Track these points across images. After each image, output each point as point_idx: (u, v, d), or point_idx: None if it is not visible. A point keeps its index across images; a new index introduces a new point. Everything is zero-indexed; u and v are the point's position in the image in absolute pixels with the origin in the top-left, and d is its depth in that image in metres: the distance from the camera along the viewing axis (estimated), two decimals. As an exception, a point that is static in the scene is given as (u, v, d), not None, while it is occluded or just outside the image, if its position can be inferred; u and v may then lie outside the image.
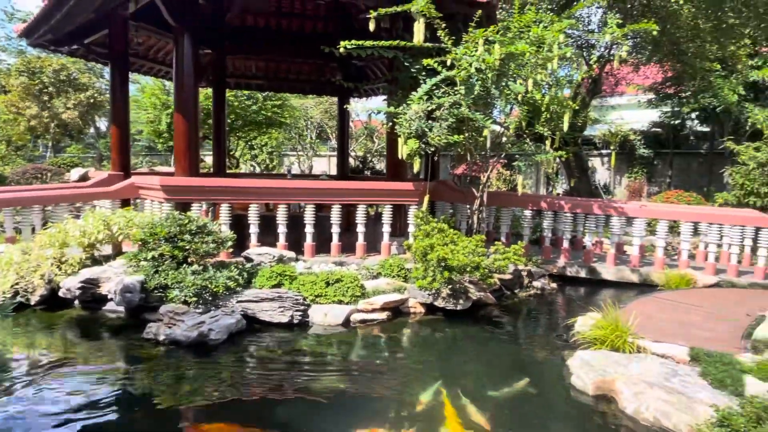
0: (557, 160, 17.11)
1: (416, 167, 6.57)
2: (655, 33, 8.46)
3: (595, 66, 12.31)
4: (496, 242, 6.71)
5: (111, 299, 5.94)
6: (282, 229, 7.45)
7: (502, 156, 8.00)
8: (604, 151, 22.70)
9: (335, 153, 17.43)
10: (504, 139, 7.76)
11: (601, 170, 23.39)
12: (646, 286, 7.68)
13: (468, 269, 5.91)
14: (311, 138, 27.78)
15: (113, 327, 5.70)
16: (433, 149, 6.72)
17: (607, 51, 13.02)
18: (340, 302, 6.10)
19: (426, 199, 7.02)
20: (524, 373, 4.69)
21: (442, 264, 5.74)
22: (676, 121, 19.37)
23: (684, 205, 10.18)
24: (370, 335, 5.70)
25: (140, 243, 6.15)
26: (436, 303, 6.18)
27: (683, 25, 11.15)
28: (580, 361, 4.59)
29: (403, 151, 6.39)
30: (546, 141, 6.98)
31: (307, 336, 5.56)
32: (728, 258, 7.77)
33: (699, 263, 8.13)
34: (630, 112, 24.01)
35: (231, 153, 22.24)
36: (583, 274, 8.17)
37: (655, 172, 21.52)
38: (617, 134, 21.67)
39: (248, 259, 6.95)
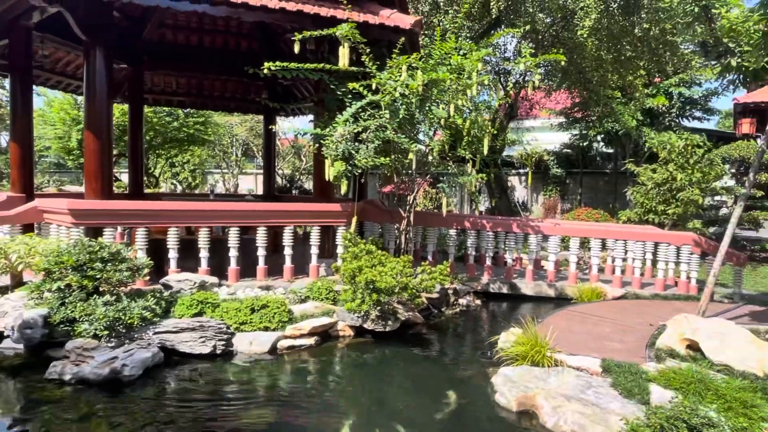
0: (484, 179, 17.87)
1: (343, 189, 6.61)
2: (563, 63, 9.15)
3: (511, 91, 13.05)
4: (423, 261, 6.85)
5: (8, 336, 5.37)
6: (204, 254, 7.14)
7: (428, 176, 8.21)
8: (521, 171, 24.02)
9: (262, 171, 17.11)
10: (429, 158, 7.98)
11: (519, 188, 24.69)
12: (561, 300, 8.14)
13: (396, 290, 5.97)
14: (237, 155, 27.07)
15: (10, 367, 5.15)
16: (360, 171, 6.77)
17: (521, 77, 13.86)
18: (266, 329, 5.92)
19: (354, 220, 7.04)
20: (451, 392, 4.78)
21: (371, 286, 5.76)
22: (585, 143, 20.93)
23: (593, 223, 10.97)
24: (298, 362, 5.58)
25: (44, 273, 5.63)
26: (365, 325, 6.17)
27: (588, 56, 12.14)
28: (503, 377, 4.75)
29: (330, 173, 6.38)
30: (468, 163, 7.28)
31: (230, 366, 5.33)
32: (632, 271, 8.44)
33: (607, 276, 8.75)
34: (544, 134, 25.64)
35: (149, 171, 21.10)
36: (505, 290, 8.51)
37: (567, 190, 23.07)
38: (533, 155, 23.07)
39: (167, 287, 6.58)
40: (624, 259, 8.57)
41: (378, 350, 5.98)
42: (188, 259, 7.19)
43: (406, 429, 3.95)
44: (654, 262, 8.52)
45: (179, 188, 25.36)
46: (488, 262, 8.70)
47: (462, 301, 7.97)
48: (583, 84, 13.50)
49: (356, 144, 6.76)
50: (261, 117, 17.10)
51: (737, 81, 5.53)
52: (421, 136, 7.75)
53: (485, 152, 7.02)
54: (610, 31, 10.93)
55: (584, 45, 11.46)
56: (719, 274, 8.64)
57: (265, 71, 6.34)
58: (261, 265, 7.41)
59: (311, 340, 5.95)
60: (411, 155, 6.59)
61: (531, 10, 11.40)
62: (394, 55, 6.55)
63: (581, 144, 21.25)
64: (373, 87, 6.64)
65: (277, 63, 6.38)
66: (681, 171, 9.34)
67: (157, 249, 7.06)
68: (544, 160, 22.99)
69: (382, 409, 4.34)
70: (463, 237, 9.40)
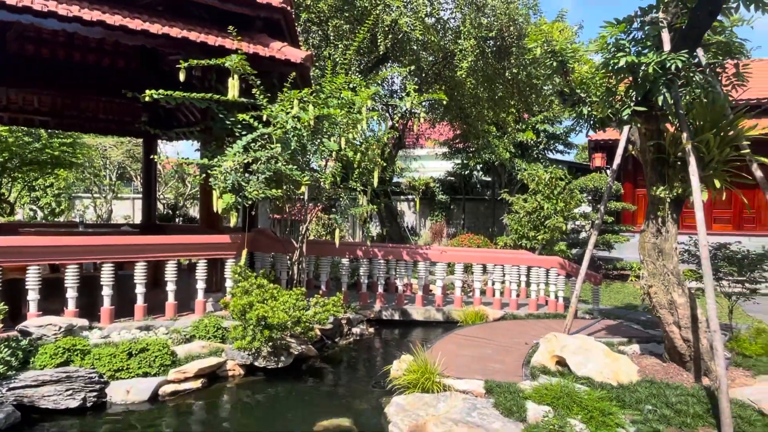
0: (374, 209, 18.32)
1: (233, 221, 6.40)
2: (444, 100, 9.84)
3: (398, 124, 13.66)
4: (316, 290, 6.83)
5: None
6: (72, 293, 6.43)
7: (318, 206, 8.26)
8: (410, 197, 25.05)
9: (140, 195, 15.86)
10: (322, 187, 8.04)
11: (408, 213, 25.69)
12: (449, 323, 8.57)
13: (289, 325, 5.87)
14: (110, 179, 24.86)
15: None
16: (250, 202, 6.63)
17: (408, 111, 14.60)
18: (146, 375, 5.47)
19: (244, 253, 6.84)
20: (345, 427, 4.78)
21: (263, 322, 5.61)
22: (466, 172, 22.47)
23: (475, 249, 11.77)
24: (182, 408, 5.22)
25: None
26: (256, 363, 5.97)
27: (467, 94, 13.18)
28: (395, 407, 4.87)
29: (218, 205, 6.17)
30: (360, 194, 7.47)
31: (102, 421, 4.83)
32: (510, 293, 9.17)
33: (489, 298, 9.41)
34: (430, 163, 27.10)
35: (2, 197, 18.57)
36: (397, 316, 8.76)
37: (452, 215, 24.47)
38: (420, 182, 24.24)
39: (25, 333, 5.81)
40: (502, 282, 9.29)
41: (270, 388, 5.80)
42: (52, 300, 6.45)
43: None
44: (528, 284, 9.34)
45: (40, 215, 22.62)
46: (380, 289, 8.91)
47: (355, 330, 8.04)
48: (463, 118, 14.58)
49: (246, 175, 6.63)
50: (140, 140, 15.99)
51: (591, 126, 6.36)
52: (314, 166, 7.82)
53: (375, 183, 7.27)
54: (486, 72, 12.00)
55: (463, 83, 12.42)
56: (580, 292, 9.71)
57: (147, 98, 6.00)
58: (139, 303, 6.86)
59: (198, 383, 5.61)
60: (303, 188, 6.62)
61: (415, 48, 12.14)
62: (285, 88, 6.58)
63: (463, 173, 22.76)
64: (264, 119, 6.59)
65: (161, 91, 6.07)
66: (547, 201, 10.46)
67: (12, 290, 6.24)
68: (430, 187, 24.21)
69: None
70: (356, 264, 9.55)
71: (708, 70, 5.66)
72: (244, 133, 6.46)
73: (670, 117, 5.55)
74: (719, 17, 5.21)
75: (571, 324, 6.83)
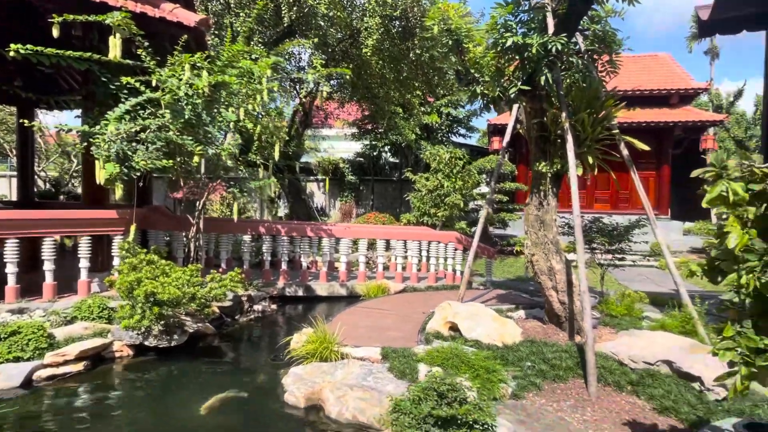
0: (278, 185, 17.95)
1: (118, 194, 5.97)
2: (349, 76, 9.80)
3: (305, 100, 13.44)
4: (216, 269, 6.60)
5: None
6: (-76, 275, 5.68)
7: (217, 181, 7.94)
8: (320, 177, 24.86)
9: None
10: (222, 162, 7.73)
11: (318, 194, 25.51)
12: (353, 298, 8.70)
13: (183, 302, 5.63)
14: (-22, 154, 22.02)
15: None
16: (139, 174, 6.20)
17: (315, 87, 14.40)
18: (17, 359, 4.99)
19: (133, 228, 6.41)
20: (241, 400, 4.73)
21: (151, 299, 5.32)
22: (375, 153, 22.71)
23: (379, 225, 12.01)
24: (61, 393, 4.83)
25: None
26: (146, 342, 5.67)
27: (374, 74, 13.24)
28: (293, 377, 4.89)
29: (100, 176, 5.70)
30: (260, 168, 7.28)
31: (-35, 411, 4.35)
32: (411, 267, 9.49)
33: (392, 273, 9.67)
34: (339, 143, 27.01)
35: None
36: (300, 292, 8.73)
37: (361, 196, 24.68)
38: (329, 162, 24.13)
39: None
40: (405, 257, 9.58)
41: (163, 368, 5.55)
42: None
43: None
44: (428, 258, 9.72)
45: None
46: (284, 266, 8.81)
47: (257, 307, 7.90)
48: (370, 98, 14.65)
49: (134, 145, 6.18)
50: (14, 108, 14.27)
51: (483, 106, 6.68)
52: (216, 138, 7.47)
53: (277, 157, 7.12)
54: (391, 52, 12.12)
55: (370, 63, 12.46)
56: (477, 265, 10.27)
57: (12, 54, 5.36)
58: (11, 284, 6.22)
59: (79, 366, 5.22)
60: (196, 158, 6.31)
61: (322, 24, 11.94)
62: (176, 52, 6.19)
63: (372, 154, 22.98)
64: (153, 84, 6.16)
65: (29, 46, 5.44)
66: (447, 179, 10.91)
67: None
68: (340, 168, 24.20)
69: (164, 429, 4.06)
70: (259, 242, 9.34)
71: (586, 56, 6.19)
72: (130, 98, 6.00)
73: (552, 98, 6.00)
74: (595, 6, 5.70)
75: (464, 293, 7.24)
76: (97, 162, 5.90)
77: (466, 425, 2.99)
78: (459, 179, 11.09)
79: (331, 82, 14.48)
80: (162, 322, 5.70)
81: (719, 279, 2.71)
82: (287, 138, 7.86)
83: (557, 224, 6.35)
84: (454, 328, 6.24)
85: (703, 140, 17.24)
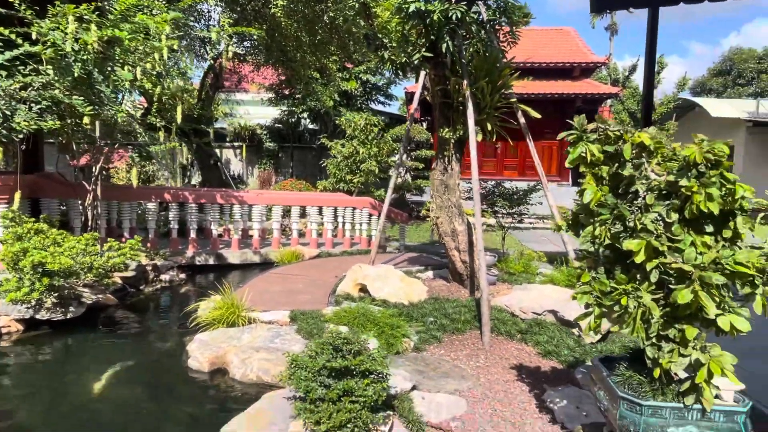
0: (189, 152, 17.13)
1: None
2: (263, 38, 9.44)
3: (216, 62, 12.80)
4: (117, 240, 6.27)
5: None
6: None
7: (116, 146, 7.46)
8: (236, 144, 23.95)
9: None
10: (118, 126, 7.26)
11: (234, 162, 24.61)
12: (266, 265, 8.66)
13: (77, 271, 5.34)
14: None
15: None
16: (21, 136, 5.69)
17: (225, 48, 13.74)
18: None
19: (17, 195, 5.91)
20: (142, 369, 4.64)
21: (40, 270, 4.99)
22: (293, 119, 22.21)
23: (294, 192, 11.91)
24: (-63, 372, 4.47)
25: None
26: (38, 316, 5.34)
27: (289, 36, 12.82)
28: (198, 343, 4.86)
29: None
30: (160, 132, 6.92)
31: None
32: (326, 233, 9.58)
33: (307, 240, 9.70)
34: (256, 108, 26.05)
35: None
36: (212, 261, 8.54)
37: (280, 164, 24.16)
38: (246, 128, 23.30)
39: None
40: (320, 224, 9.64)
41: (57, 342, 5.28)
42: None
43: (95, 416, 3.68)
44: (343, 224, 9.84)
45: None
46: (193, 234, 8.54)
47: (164, 276, 7.66)
48: (286, 62, 14.22)
49: (14, 104, 5.63)
50: None
51: (393, 72, 6.76)
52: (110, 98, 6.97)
53: (179, 120, 6.79)
54: (305, 14, 11.78)
55: (283, 24, 12.04)
56: (392, 231, 10.55)
57: None
58: None
59: (-42, 344, 4.84)
60: (87, 119, 5.88)
61: (230, -21, 11.32)
62: (57, 3, 5.65)
63: (290, 120, 22.46)
64: (33, 37, 5.61)
65: None
66: (362, 146, 10.99)
67: None
68: (257, 134, 23.46)
69: (61, 404, 3.91)
70: (167, 212, 8.96)
71: (488, 26, 6.42)
72: (5, 52, 5.43)
73: (456, 65, 6.20)
74: (496, -22, 5.90)
75: (374, 256, 7.46)
76: (-31, 123, 5.33)
77: (360, 374, 3.17)
78: (374, 146, 11.21)
79: (245, 43, 13.88)
80: (55, 294, 5.38)
81: (580, 232, 3.03)
82: (195, 101, 7.49)
83: (460, 188, 6.67)
84: (363, 289, 6.44)
85: (600, 111, 18.60)
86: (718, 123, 19.47)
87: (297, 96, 19.44)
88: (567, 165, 2.93)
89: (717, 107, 20.19)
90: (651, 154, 2.79)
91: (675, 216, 2.56)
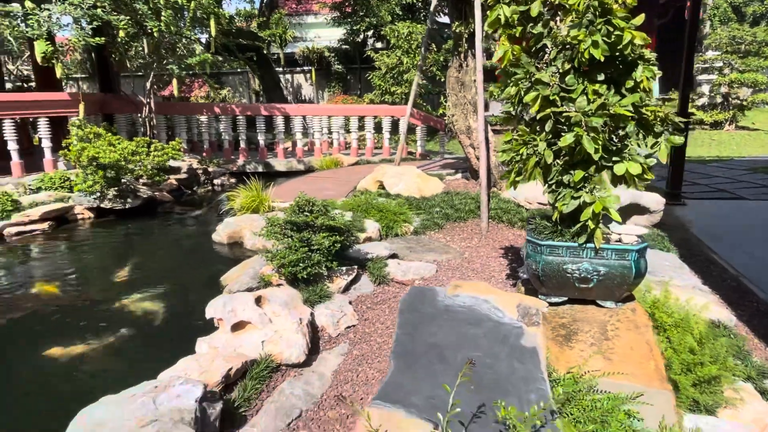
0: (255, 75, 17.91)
1: (58, 72, 6.37)
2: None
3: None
4: (159, 142, 7.17)
5: None
6: None
7: (163, 62, 8.21)
8: (306, 68, 24.48)
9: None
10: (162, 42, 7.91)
11: (305, 86, 25.25)
12: (309, 171, 9.33)
13: (126, 166, 6.29)
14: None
15: None
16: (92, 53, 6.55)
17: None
18: (-12, 220, 5.81)
19: (82, 107, 6.92)
20: (181, 242, 5.57)
21: (94, 163, 5.98)
22: (359, 39, 22.08)
23: (336, 105, 12.30)
24: (31, 244, 5.70)
25: None
26: (103, 205, 6.44)
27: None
28: (224, 224, 5.65)
29: (37, 53, 6.10)
30: (196, 44, 7.55)
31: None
32: (366, 142, 9.99)
33: (347, 149, 10.20)
34: (324, 31, 26.10)
35: None
36: (260, 168, 9.37)
37: (349, 86, 24.39)
38: (314, 50, 23.61)
39: None
40: (360, 133, 10.04)
41: (121, 226, 6.38)
42: None
43: (146, 272, 4.65)
44: (382, 133, 10.17)
45: None
46: (243, 145, 9.36)
47: (216, 181, 8.61)
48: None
49: (64, 23, 6.48)
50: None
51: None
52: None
53: (213, 33, 7.34)
54: None
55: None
56: (432, 144, 10.67)
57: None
58: (-19, 162, 6.92)
59: (44, 225, 6.04)
60: (122, 33, 6.60)
61: None
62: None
63: (356, 40, 22.36)
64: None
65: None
66: (406, 55, 10.96)
67: None
68: (325, 57, 23.71)
69: (125, 263, 4.94)
70: (218, 124, 9.83)
71: None
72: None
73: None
74: None
75: (399, 158, 7.81)
76: (35, 44, 6.26)
77: (319, 229, 3.71)
78: (417, 55, 11.12)
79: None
80: (115, 188, 6.42)
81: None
82: (225, 14, 7.94)
83: (476, 85, 6.67)
84: (382, 186, 6.88)
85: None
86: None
87: (359, 14, 19.24)
88: (486, 29, 3.04)
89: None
90: (567, 12, 2.82)
91: (567, 66, 2.65)
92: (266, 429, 2.23)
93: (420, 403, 1.69)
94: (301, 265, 3.46)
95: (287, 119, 9.45)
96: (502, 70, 3.05)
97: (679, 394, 2.54)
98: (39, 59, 6.10)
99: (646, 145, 2.85)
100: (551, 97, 2.66)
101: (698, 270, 4.39)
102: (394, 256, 4.59)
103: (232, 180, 8.84)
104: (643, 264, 2.81)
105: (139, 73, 11.38)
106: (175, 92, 7.79)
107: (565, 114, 2.63)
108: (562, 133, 2.70)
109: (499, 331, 2.38)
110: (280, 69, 23.25)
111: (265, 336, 2.85)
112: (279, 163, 9.47)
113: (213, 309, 3.06)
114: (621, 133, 2.81)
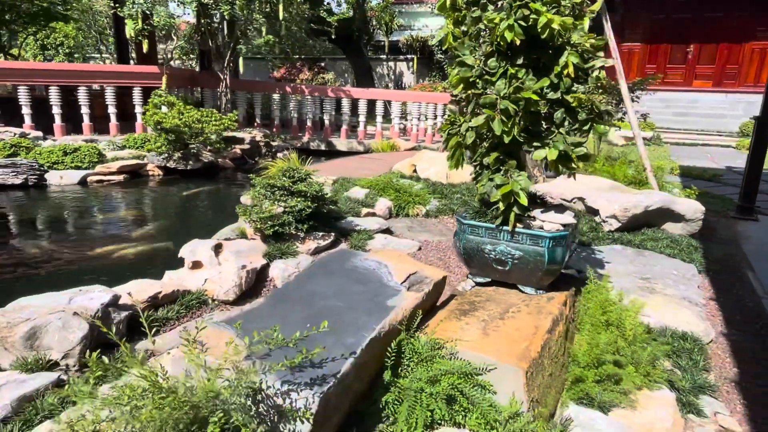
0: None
1: (145, 47, 7.39)
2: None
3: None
4: (252, 126, 7.98)
5: None
6: (26, 110, 7.83)
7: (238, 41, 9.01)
8: (409, 56, 24.87)
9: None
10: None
11: (407, 74, 25.68)
12: (367, 152, 9.72)
13: (186, 131, 7.11)
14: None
15: None
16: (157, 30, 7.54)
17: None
18: (77, 168, 6.98)
19: (164, 79, 7.93)
20: (220, 198, 6.32)
21: (159, 127, 6.89)
22: (461, 28, 21.88)
23: (403, 92, 12.43)
24: (107, 190, 6.78)
25: None
26: (169, 165, 7.38)
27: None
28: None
29: (128, 29, 7.15)
30: (262, 25, 8.23)
31: (41, 193, 6.45)
32: (426, 129, 10.12)
33: (408, 135, 10.40)
34: (432, 20, 26.27)
35: (6, 50, 19.74)
36: (323, 147, 9.96)
37: (448, 75, 24.35)
38: (417, 39, 23.88)
39: (-14, 137, 7.32)
40: (419, 119, 10.19)
41: (182, 183, 7.28)
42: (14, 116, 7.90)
43: (187, 212, 5.44)
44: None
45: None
46: (309, 123, 10.00)
47: (279, 154, 9.31)
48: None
49: (157, 7, 7.47)
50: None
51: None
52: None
53: (281, 16, 7.97)
54: None
55: None
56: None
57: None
58: (86, 122, 8.24)
59: (120, 177, 7.11)
60: (192, 12, 7.45)
61: None
62: None
63: (457, 29, 22.20)
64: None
65: None
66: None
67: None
68: (428, 46, 23.88)
69: (180, 212, 5.80)
70: (286, 102, 10.56)
71: None
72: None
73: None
74: None
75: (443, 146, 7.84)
76: (126, 21, 7.32)
77: (297, 194, 4.07)
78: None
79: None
80: (181, 151, 7.32)
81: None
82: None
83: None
84: (415, 170, 7.05)
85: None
86: None
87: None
88: (436, 11, 3.13)
89: None
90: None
91: (490, 49, 2.69)
92: (170, 342, 2.65)
93: (252, 329, 1.95)
94: (269, 222, 3.84)
95: (354, 102, 9.89)
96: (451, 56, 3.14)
97: (580, 386, 2.54)
98: (130, 35, 7.15)
99: (576, 133, 2.79)
100: (471, 79, 2.72)
101: (716, 285, 4.01)
102: (387, 231, 4.81)
103: (293, 155, 9.50)
104: (560, 252, 2.78)
105: (258, 56, 12.54)
106: (241, 69, 8.56)
107: (484, 97, 2.68)
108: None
109: (377, 291, 2.55)
110: (384, 56, 23.85)
111: (209, 275, 3.28)
112: (341, 143, 9.96)
113: (183, 250, 3.56)
114: (556, 119, 2.79)
